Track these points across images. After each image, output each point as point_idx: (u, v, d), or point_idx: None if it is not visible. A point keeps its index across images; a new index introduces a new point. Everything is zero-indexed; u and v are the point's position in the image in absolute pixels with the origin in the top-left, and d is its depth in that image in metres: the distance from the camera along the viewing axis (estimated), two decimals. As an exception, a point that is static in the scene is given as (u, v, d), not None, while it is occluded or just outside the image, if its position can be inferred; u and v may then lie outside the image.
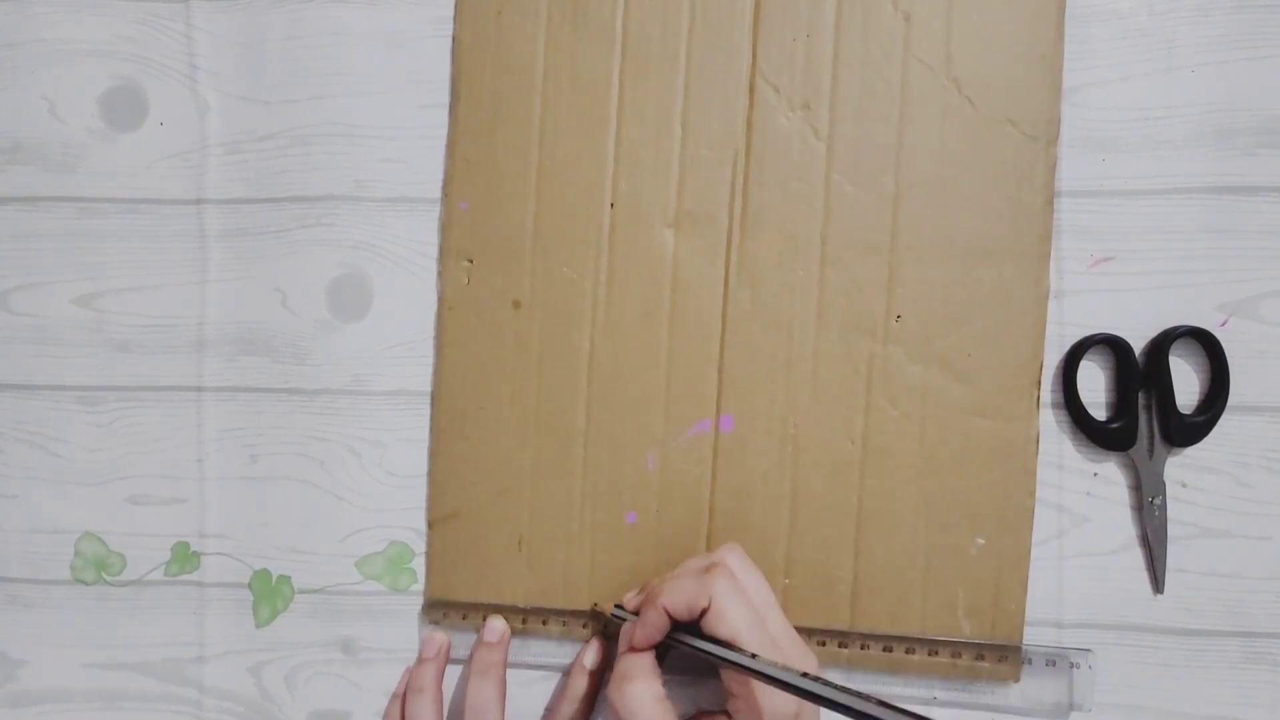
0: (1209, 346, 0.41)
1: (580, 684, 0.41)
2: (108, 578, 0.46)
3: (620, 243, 0.42)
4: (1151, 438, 0.41)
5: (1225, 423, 0.41)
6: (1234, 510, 0.41)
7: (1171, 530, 0.41)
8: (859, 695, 0.31)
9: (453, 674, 0.44)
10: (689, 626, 0.37)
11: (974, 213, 0.41)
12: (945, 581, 0.41)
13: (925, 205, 0.41)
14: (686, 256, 0.42)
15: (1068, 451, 0.42)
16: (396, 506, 0.44)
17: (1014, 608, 0.41)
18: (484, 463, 0.43)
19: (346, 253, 0.44)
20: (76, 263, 0.45)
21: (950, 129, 0.41)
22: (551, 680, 0.44)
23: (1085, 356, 0.41)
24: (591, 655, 0.42)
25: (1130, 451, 0.41)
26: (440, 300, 0.44)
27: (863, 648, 0.41)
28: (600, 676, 0.42)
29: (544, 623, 0.43)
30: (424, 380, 0.44)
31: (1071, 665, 0.41)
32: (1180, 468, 0.42)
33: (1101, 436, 0.41)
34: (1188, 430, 0.41)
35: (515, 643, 0.43)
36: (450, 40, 0.44)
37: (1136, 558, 0.42)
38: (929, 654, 0.41)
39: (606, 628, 0.42)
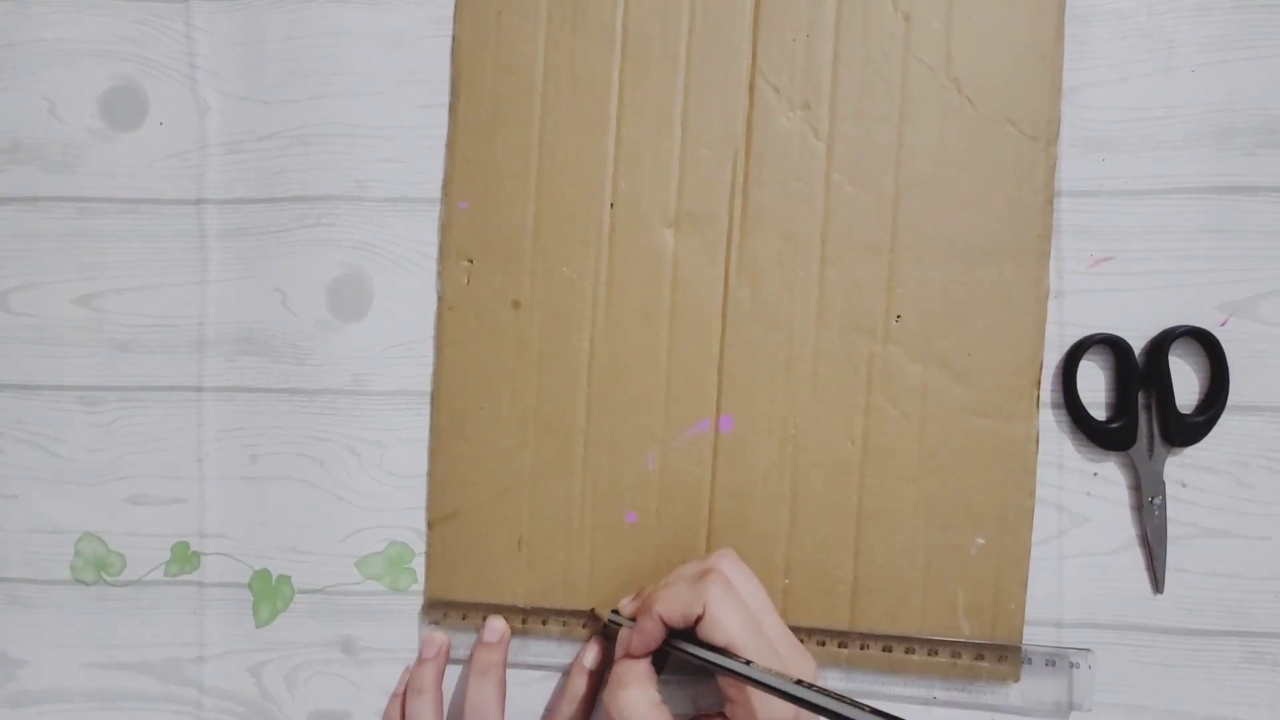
0: (1209, 346, 0.41)
1: (580, 684, 0.41)
2: (108, 578, 0.46)
3: (620, 243, 0.42)
4: (1151, 438, 0.41)
5: (1225, 423, 0.41)
6: (1234, 510, 0.41)
7: (1171, 530, 0.41)
8: (852, 703, 0.31)
9: (453, 674, 0.44)
10: (686, 632, 0.37)
11: (974, 213, 0.41)
12: (945, 581, 0.41)
13: (925, 205, 0.41)
14: (686, 256, 0.42)
15: (1067, 451, 0.42)
16: (396, 506, 0.44)
17: (1014, 608, 0.41)
18: (484, 463, 0.43)
19: (346, 253, 0.44)
20: (76, 263, 0.45)
21: (950, 129, 0.41)
22: (551, 680, 0.44)
23: (1085, 356, 0.41)
24: (591, 655, 0.42)
25: (1130, 451, 0.41)
26: (440, 300, 0.44)
27: (862, 648, 0.41)
28: (600, 677, 0.42)
29: (544, 623, 0.43)
30: (424, 380, 0.44)
31: (1071, 665, 0.41)
32: (1180, 468, 0.42)
33: (1101, 436, 0.41)
34: (1187, 430, 0.41)
35: (515, 643, 0.43)
36: (450, 40, 0.44)
37: (1136, 558, 0.42)
38: (929, 654, 0.41)
39: (605, 629, 0.42)
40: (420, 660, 0.43)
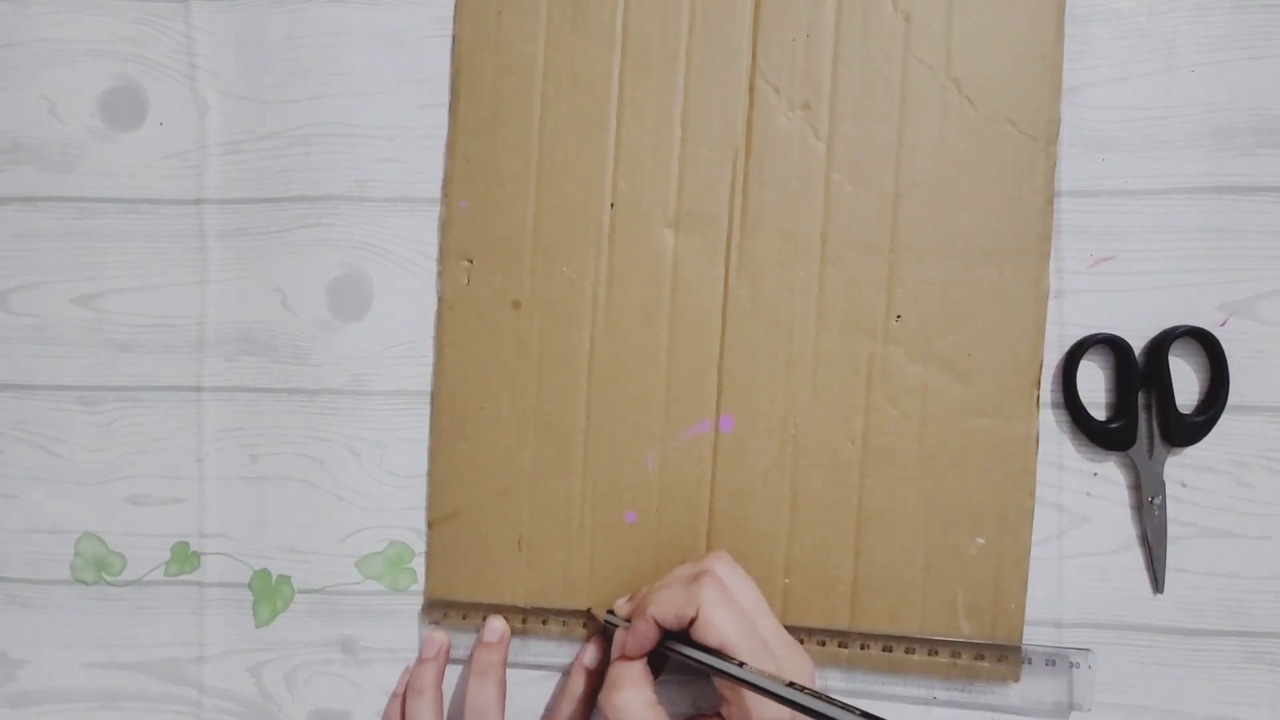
0: (1209, 346, 0.41)
1: (580, 684, 0.41)
2: (108, 578, 0.46)
3: (620, 242, 0.42)
4: (1151, 438, 0.41)
5: (1225, 423, 0.41)
6: (1234, 510, 0.41)
7: (1171, 530, 0.41)
8: (843, 705, 0.32)
9: (453, 674, 0.44)
10: (680, 634, 0.37)
11: (974, 212, 0.41)
12: (945, 581, 0.41)
13: (925, 205, 0.41)
14: (686, 256, 0.42)
15: (1067, 451, 0.42)
16: (396, 506, 0.44)
17: (1014, 607, 0.41)
18: (484, 463, 0.43)
19: (346, 253, 0.44)
20: (76, 263, 0.45)
21: (950, 129, 0.41)
22: (551, 680, 0.44)
23: (1085, 356, 0.41)
24: (591, 655, 0.42)
25: (1130, 451, 0.41)
26: (440, 300, 0.44)
27: (862, 647, 0.41)
28: (599, 677, 0.42)
29: (544, 623, 0.43)
30: (424, 380, 0.44)
31: (1071, 665, 0.41)
32: (1180, 467, 0.42)
33: (1101, 436, 0.41)
34: (1187, 430, 0.41)
35: (515, 643, 0.43)
36: (450, 40, 0.44)
37: (1136, 557, 0.42)
38: (929, 654, 0.41)
39: (604, 629, 0.42)
40: (420, 660, 0.43)
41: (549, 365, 0.43)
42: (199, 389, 0.45)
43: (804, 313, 0.42)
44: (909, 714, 0.42)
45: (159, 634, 0.45)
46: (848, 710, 0.31)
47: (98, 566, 0.45)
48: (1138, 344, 0.41)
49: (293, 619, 0.45)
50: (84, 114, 0.45)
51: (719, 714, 0.38)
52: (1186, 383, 0.42)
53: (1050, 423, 0.42)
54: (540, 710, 0.44)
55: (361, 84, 0.44)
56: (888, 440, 0.41)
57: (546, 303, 0.43)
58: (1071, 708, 0.41)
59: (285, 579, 0.45)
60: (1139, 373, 0.41)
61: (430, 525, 0.44)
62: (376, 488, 0.44)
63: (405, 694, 0.43)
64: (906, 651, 0.41)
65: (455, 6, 0.43)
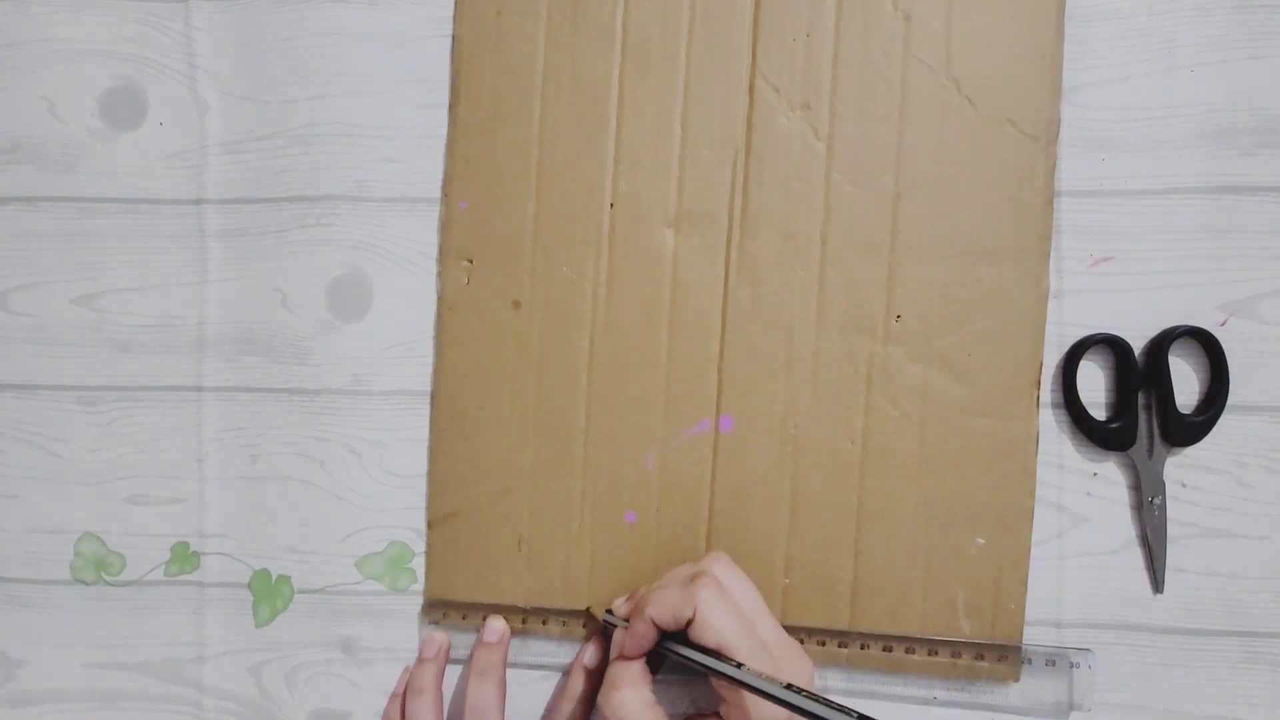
0: (1209, 346, 0.41)
1: (580, 684, 0.41)
2: (107, 578, 0.46)
3: (620, 242, 0.42)
4: (1151, 438, 0.41)
5: (1225, 423, 0.41)
6: (1234, 510, 0.41)
7: (1171, 530, 0.41)
8: (839, 708, 0.32)
9: (453, 674, 0.44)
10: (679, 634, 0.37)
11: (974, 212, 0.41)
12: (945, 581, 0.41)
13: (925, 205, 0.41)
14: (686, 256, 0.42)
15: (1067, 451, 0.42)
16: (396, 506, 0.44)
17: (1014, 607, 0.41)
18: (484, 463, 0.43)
19: (346, 253, 0.44)
20: (76, 263, 0.45)
21: (950, 129, 0.41)
22: (551, 680, 0.44)
23: (1085, 356, 0.41)
24: (591, 655, 0.42)
25: (1130, 451, 0.41)
26: (440, 300, 0.44)
27: (862, 647, 0.41)
28: (599, 676, 0.42)
29: (544, 623, 0.43)
30: (424, 380, 0.44)
31: (1071, 665, 0.41)
32: (1180, 468, 0.42)
33: (1101, 436, 0.41)
34: (1187, 430, 0.41)
35: (515, 643, 0.43)
36: (450, 40, 0.44)
37: (1136, 557, 0.42)
38: (929, 654, 0.41)
39: (603, 629, 0.42)
40: (420, 660, 0.43)
41: (549, 365, 0.43)
42: (199, 389, 0.45)
43: (804, 313, 0.42)
44: (909, 714, 0.42)
45: (159, 634, 0.45)
46: (844, 712, 0.31)
47: (98, 566, 0.45)
48: (1138, 344, 0.41)
49: (293, 619, 0.45)
50: (84, 114, 0.45)
51: (717, 714, 0.38)
52: (1186, 383, 0.42)
53: (1050, 423, 0.42)
54: (540, 710, 0.44)
55: (361, 84, 0.44)
56: (888, 440, 0.41)
57: (546, 303, 0.43)
58: (1071, 708, 0.41)
59: (285, 579, 0.45)
60: (1139, 373, 0.41)
61: (430, 525, 0.44)
62: (376, 488, 0.44)
63: (405, 694, 0.43)
64: (906, 651, 0.41)
65: (455, 6, 0.43)
